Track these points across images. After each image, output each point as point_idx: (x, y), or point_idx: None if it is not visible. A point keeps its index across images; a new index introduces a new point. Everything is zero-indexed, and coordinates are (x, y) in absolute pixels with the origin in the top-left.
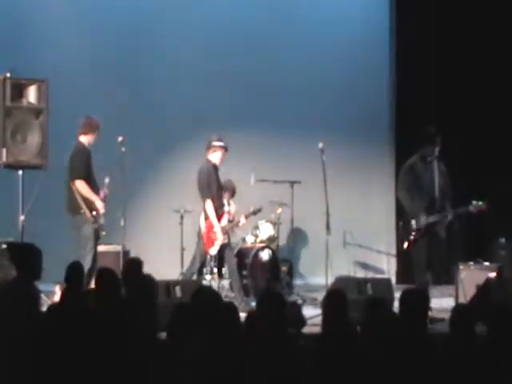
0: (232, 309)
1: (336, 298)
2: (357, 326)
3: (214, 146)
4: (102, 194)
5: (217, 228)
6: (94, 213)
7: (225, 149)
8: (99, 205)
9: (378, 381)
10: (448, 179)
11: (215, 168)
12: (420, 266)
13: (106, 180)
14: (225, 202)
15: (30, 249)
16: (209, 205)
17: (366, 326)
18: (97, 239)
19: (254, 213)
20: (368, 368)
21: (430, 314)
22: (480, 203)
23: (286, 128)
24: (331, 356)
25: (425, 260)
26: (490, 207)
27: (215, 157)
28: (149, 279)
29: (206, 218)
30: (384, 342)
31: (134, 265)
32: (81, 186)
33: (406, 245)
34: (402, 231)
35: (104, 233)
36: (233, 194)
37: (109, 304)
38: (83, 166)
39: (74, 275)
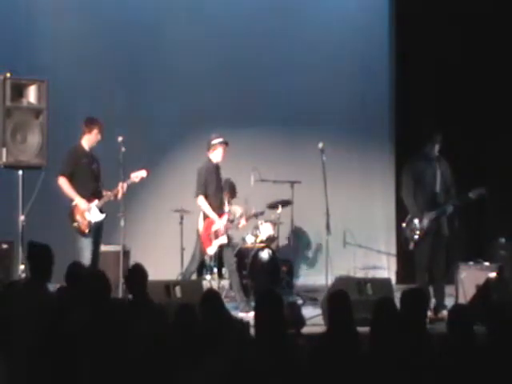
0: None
1: (339, 299)
2: (356, 326)
3: (214, 145)
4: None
5: (216, 219)
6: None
7: (225, 144)
8: (80, 203)
9: (379, 381)
10: (450, 177)
11: (216, 168)
12: (422, 266)
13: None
14: (225, 202)
15: (44, 249)
16: (201, 200)
17: (376, 326)
18: (95, 237)
19: (256, 215)
20: (369, 368)
21: (429, 313)
22: (479, 189)
23: (286, 128)
24: (334, 357)
25: (427, 260)
26: (491, 204)
27: (216, 155)
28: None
29: (204, 217)
30: (391, 342)
31: (138, 273)
32: (61, 182)
33: (411, 245)
34: (406, 232)
35: (87, 231)
36: (232, 194)
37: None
38: (67, 164)
39: (74, 275)
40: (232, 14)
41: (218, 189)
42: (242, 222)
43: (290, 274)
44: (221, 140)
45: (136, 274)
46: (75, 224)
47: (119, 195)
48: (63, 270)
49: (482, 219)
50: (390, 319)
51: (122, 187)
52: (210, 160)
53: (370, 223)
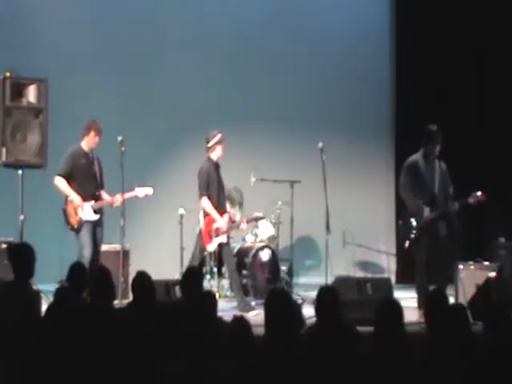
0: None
1: (328, 295)
2: (356, 325)
3: (212, 146)
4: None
5: (218, 219)
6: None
7: (222, 140)
8: (77, 201)
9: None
10: (448, 178)
11: (216, 166)
12: (421, 265)
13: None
14: (227, 201)
15: (23, 248)
16: (205, 201)
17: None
18: (93, 236)
19: (256, 219)
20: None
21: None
22: (479, 193)
23: (286, 128)
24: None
25: (425, 259)
26: (490, 204)
27: (216, 153)
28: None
29: (205, 214)
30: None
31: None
32: (57, 181)
33: (407, 244)
34: (402, 230)
35: (76, 226)
36: (239, 203)
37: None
38: (64, 164)
39: (75, 275)
40: (233, 14)
41: (219, 187)
42: (243, 225)
43: (290, 274)
44: (217, 139)
45: (192, 277)
46: (66, 221)
47: (115, 204)
48: (62, 270)
49: (482, 219)
50: (394, 319)
51: (121, 197)
52: (210, 159)
53: (370, 223)
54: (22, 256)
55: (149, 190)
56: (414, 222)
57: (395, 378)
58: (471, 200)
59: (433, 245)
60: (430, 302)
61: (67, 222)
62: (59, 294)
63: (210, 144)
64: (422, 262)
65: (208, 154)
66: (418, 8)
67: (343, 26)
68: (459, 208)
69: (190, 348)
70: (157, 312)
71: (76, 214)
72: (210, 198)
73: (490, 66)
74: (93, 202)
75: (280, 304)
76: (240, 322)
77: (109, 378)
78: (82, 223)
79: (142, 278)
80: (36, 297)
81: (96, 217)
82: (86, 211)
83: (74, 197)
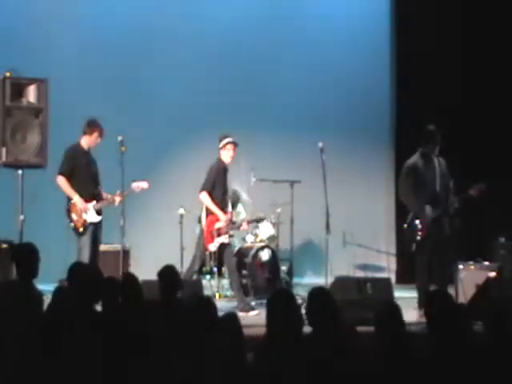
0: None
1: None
2: (357, 325)
3: (224, 145)
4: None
5: (220, 214)
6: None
7: (233, 144)
8: (78, 202)
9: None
10: (448, 174)
11: (225, 170)
12: (422, 265)
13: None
14: (229, 205)
15: (27, 248)
16: (204, 196)
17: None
18: (93, 237)
19: (257, 221)
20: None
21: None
22: (479, 185)
23: (286, 128)
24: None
25: (427, 259)
26: (490, 203)
27: (226, 155)
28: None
29: (207, 214)
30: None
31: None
32: (60, 181)
33: (414, 246)
34: (408, 234)
35: (81, 229)
36: (236, 201)
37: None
38: (66, 163)
39: (76, 275)
40: (233, 16)
41: (224, 192)
42: (244, 225)
43: (290, 274)
44: (228, 140)
45: (167, 277)
46: (71, 224)
47: (117, 203)
48: (62, 270)
49: (482, 219)
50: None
51: (121, 195)
52: (221, 161)
53: (370, 223)
54: (27, 256)
55: (143, 184)
56: (418, 224)
57: (397, 378)
58: (471, 191)
59: (436, 245)
60: (434, 302)
61: (72, 224)
62: (58, 293)
63: (220, 144)
64: (424, 262)
65: (220, 155)
66: (419, 6)
67: (343, 27)
68: (461, 202)
69: (181, 348)
70: (144, 312)
71: (81, 216)
72: (212, 197)
73: (491, 66)
74: (94, 203)
75: (282, 305)
76: (229, 317)
77: (103, 377)
78: (86, 225)
79: (130, 279)
80: (39, 298)
81: (99, 218)
82: (89, 213)
83: (77, 199)
